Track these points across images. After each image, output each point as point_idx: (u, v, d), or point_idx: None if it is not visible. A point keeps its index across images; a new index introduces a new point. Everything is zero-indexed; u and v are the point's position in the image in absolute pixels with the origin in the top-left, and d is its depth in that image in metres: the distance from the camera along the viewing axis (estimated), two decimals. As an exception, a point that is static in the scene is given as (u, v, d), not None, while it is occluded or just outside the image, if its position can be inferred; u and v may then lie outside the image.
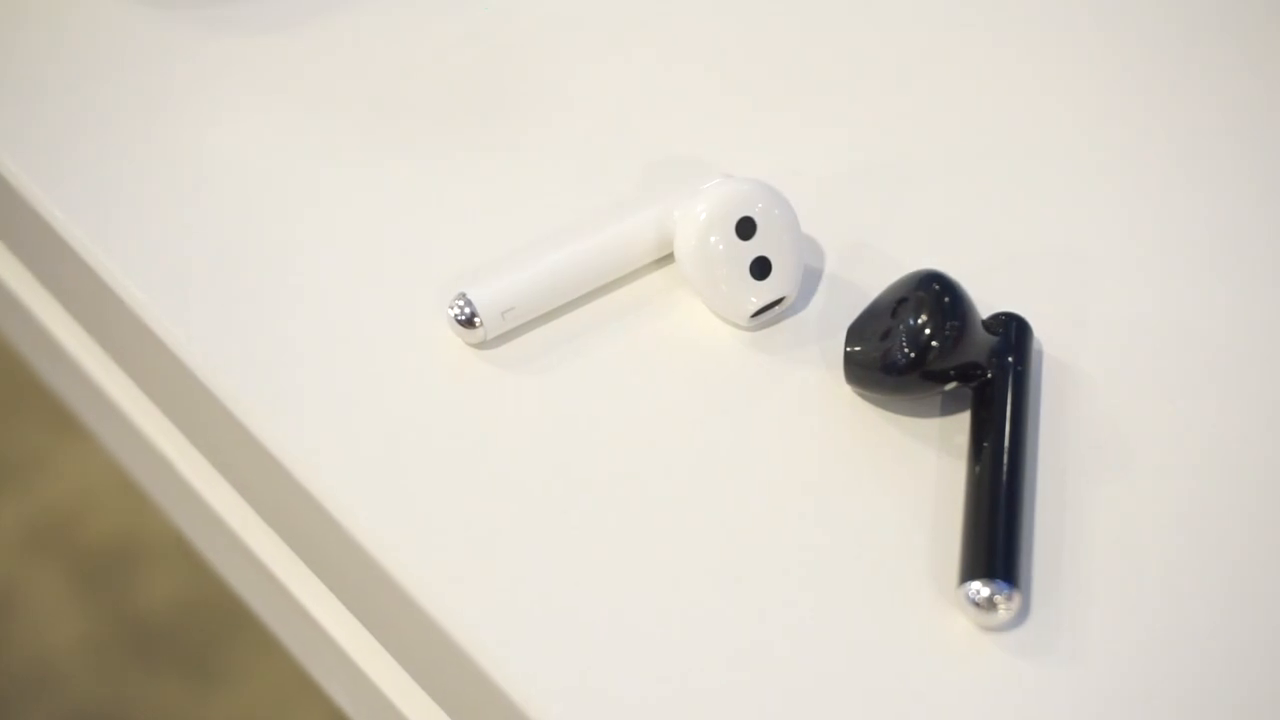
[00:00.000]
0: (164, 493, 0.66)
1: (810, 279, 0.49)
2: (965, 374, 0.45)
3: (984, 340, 0.45)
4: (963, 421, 0.45)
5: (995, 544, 0.42)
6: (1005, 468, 0.43)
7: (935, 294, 0.45)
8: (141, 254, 0.50)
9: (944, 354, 0.44)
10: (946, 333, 0.44)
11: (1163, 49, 0.58)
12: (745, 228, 0.47)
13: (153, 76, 0.56)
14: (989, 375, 0.45)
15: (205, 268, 0.50)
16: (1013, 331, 0.46)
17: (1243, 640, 0.42)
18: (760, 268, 0.47)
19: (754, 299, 0.47)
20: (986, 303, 0.47)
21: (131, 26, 0.57)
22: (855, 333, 0.46)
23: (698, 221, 0.47)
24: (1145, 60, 0.57)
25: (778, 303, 0.47)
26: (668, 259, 0.49)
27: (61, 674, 1.02)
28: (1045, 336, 0.47)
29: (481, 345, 0.47)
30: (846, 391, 0.46)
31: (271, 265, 0.50)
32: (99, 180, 0.53)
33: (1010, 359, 0.45)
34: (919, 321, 0.44)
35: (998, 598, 0.41)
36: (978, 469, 0.44)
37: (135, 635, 1.04)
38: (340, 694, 0.60)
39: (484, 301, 0.47)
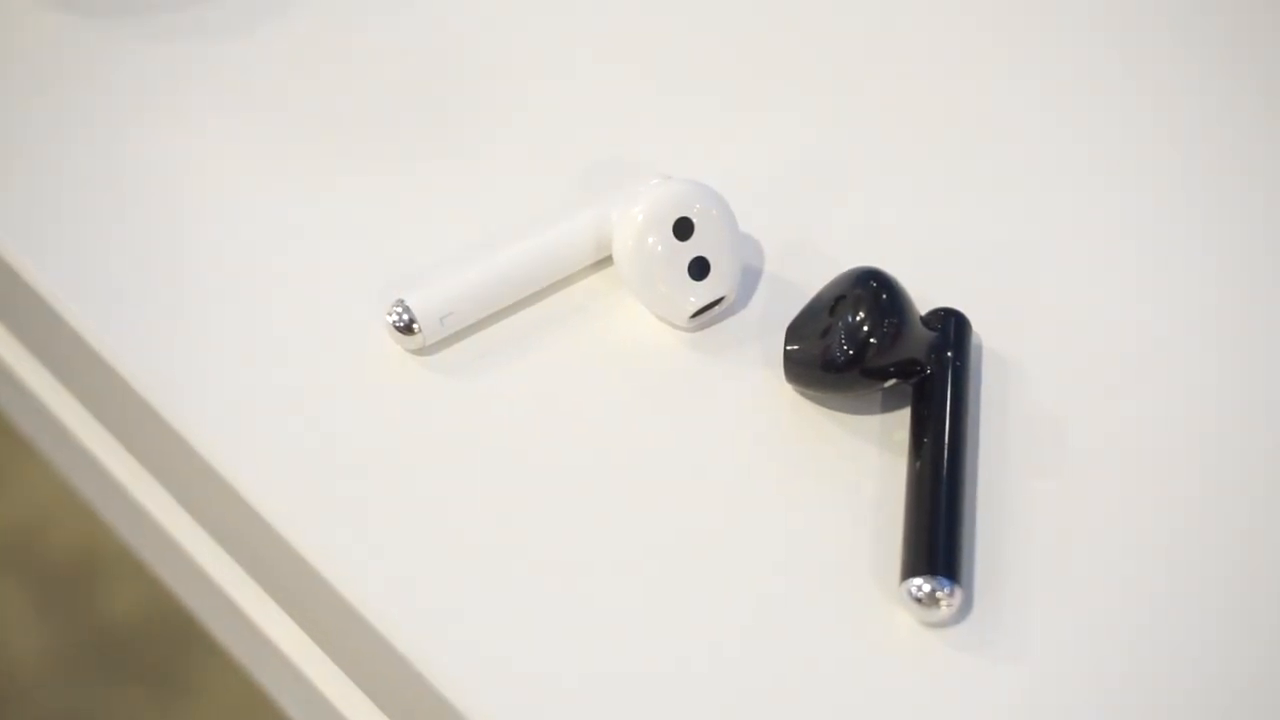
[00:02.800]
0: (113, 510, 0.66)
1: (750, 278, 0.49)
2: (905, 370, 0.45)
3: (923, 336, 0.45)
4: (903, 418, 0.45)
5: (936, 540, 0.42)
6: (945, 463, 0.43)
7: (873, 291, 0.45)
8: (78, 268, 0.50)
9: (882, 351, 0.44)
10: (884, 330, 0.44)
11: (1096, 48, 0.58)
12: (683, 228, 0.46)
13: (88, 87, 0.55)
14: (928, 371, 0.45)
15: (142, 279, 0.50)
16: (951, 327, 0.46)
17: (1181, 631, 0.42)
18: (699, 268, 0.47)
19: (693, 299, 0.47)
20: (925, 298, 0.47)
21: (67, 36, 0.57)
22: (794, 331, 0.46)
23: (635, 223, 0.46)
24: (1079, 58, 0.57)
25: (717, 303, 0.47)
26: (607, 261, 0.49)
27: (25, 686, 1.01)
28: (984, 331, 0.47)
29: (420, 351, 0.47)
30: (787, 390, 0.46)
31: (209, 275, 0.50)
32: (37, 195, 0.52)
33: (949, 354, 0.45)
34: (857, 319, 0.44)
35: (939, 594, 0.41)
36: (918, 465, 0.44)
37: (98, 648, 1.03)
38: (294, 708, 0.60)
39: (422, 307, 0.46)
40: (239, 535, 0.50)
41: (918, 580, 0.41)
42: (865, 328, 0.44)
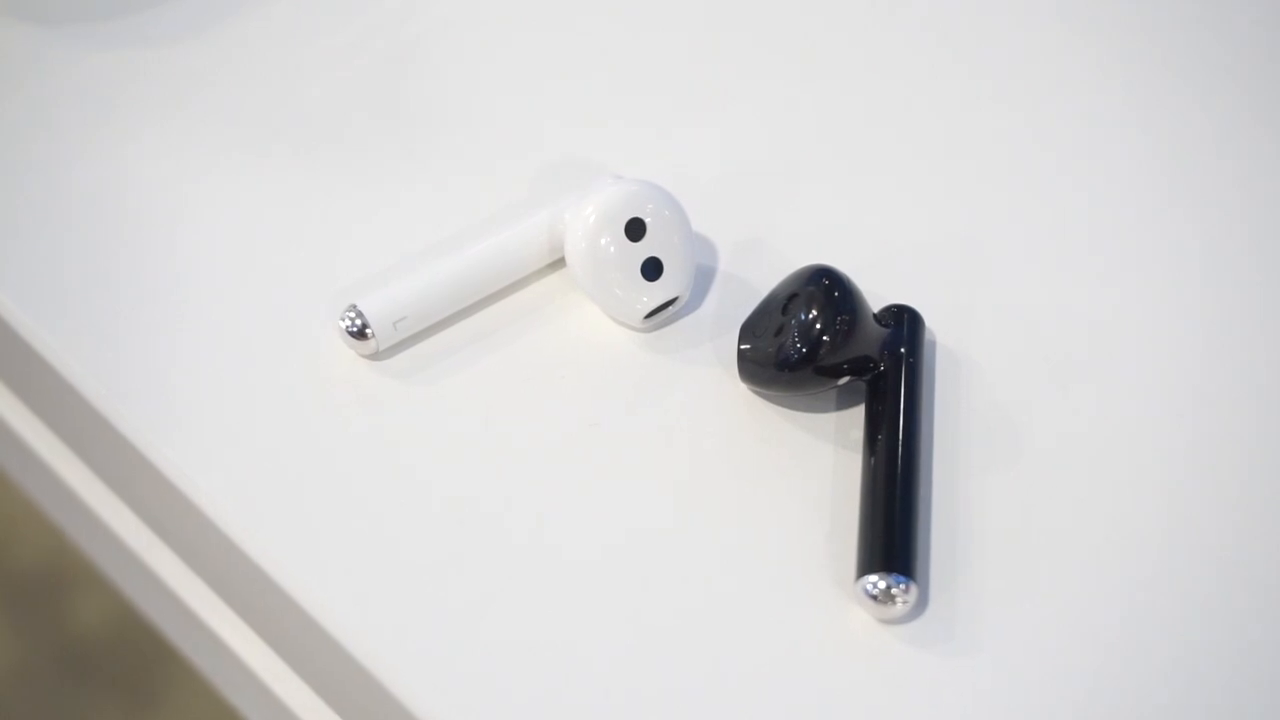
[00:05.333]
0: (74, 523, 0.65)
1: (703, 278, 0.49)
2: (858, 368, 0.45)
3: (876, 333, 0.45)
4: (858, 416, 0.45)
5: (891, 537, 0.42)
6: (900, 460, 0.43)
7: (825, 289, 0.45)
8: (29, 279, 0.50)
9: (836, 348, 0.44)
10: (837, 327, 0.44)
11: (1046, 38, 0.58)
12: (635, 229, 0.46)
13: (35, 95, 0.55)
14: (882, 368, 0.45)
15: (93, 289, 0.49)
16: (904, 323, 0.46)
17: (1137, 626, 0.42)
18: (652, 268, 0.47)
19: (646, 300, 0.47)
20: (879, 295, 0.47)
21: (9, 44, 0.56)
22: (748, 330, 0.46)
23: (587, 224, 0.46)
24: (1031, 53, 0.57)
25: (671, 303, 0.47)
26: (560, 263, 0.49)
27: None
28: (937, 327, 0.47)
29: (374, 356, 0.47)
30: (742, 389, 0.46)
31: (160, 283, 0.50)
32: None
33: (903, 351, 0.45)
34: (810, 317, 0.44)
35: (895, 590, 0.41)
36: (873, 462, 0.44)
37: (65, 661, 1.03)
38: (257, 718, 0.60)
39: (375, 312, 0.46)
40: (196, 545, 0.49)
41: (873, 577, 0.41)
42: (818, 325, 0.44)
